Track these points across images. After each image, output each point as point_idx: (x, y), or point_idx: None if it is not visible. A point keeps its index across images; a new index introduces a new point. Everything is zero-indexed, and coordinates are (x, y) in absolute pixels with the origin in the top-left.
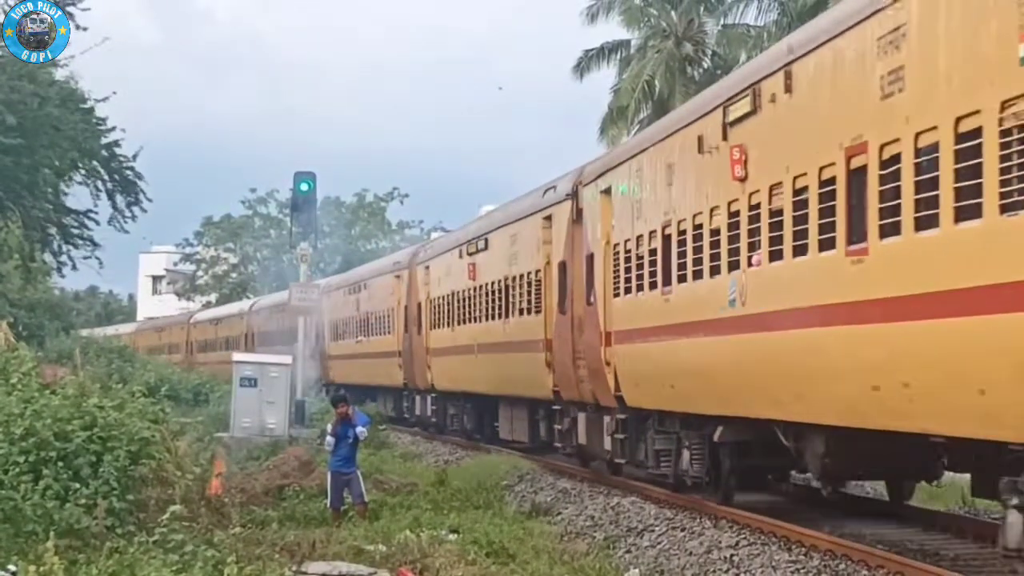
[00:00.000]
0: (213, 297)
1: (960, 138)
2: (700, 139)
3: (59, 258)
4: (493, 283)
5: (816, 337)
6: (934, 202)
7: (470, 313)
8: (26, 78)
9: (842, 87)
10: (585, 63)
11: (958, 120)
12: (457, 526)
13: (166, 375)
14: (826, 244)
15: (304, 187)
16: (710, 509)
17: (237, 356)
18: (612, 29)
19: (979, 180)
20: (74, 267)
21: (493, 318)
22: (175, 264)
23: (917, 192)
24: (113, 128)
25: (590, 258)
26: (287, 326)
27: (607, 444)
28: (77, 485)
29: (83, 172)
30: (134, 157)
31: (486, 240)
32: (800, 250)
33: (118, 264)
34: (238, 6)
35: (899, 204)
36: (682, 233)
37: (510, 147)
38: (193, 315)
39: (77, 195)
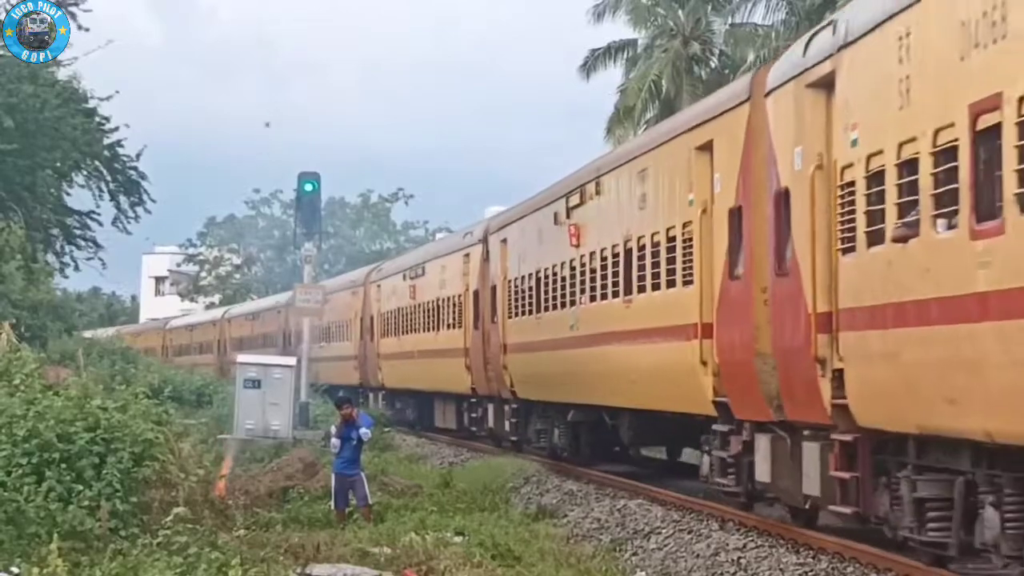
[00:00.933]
0: (216, 298)
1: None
2: (555, 215)
3: (62, 259)
4: (428, 303)
5: (608, 351)
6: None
7: (411, 325)
8: (27, 79)
9: (623, 196)
10: (592, 62)
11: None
12: (462, 528)
13: (169, 376)
14: (615, 294)
15: (308, 187)
16: (717, 511)
17: (241, 357)
18: (619, 28)
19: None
20: (77, 268)
21: (428, 330)
22: (178, 265)
23: (654, 267)
24: (116, 128)
25: (493, 288)
26: (259, 332)
27: (506, 426)
28: (80, 487)
29: (85, 173)
30: (137, 157)
31: (423, 268)
32: (603, 296)
33: (121, 265)
34: (241, 6)
35: (644, 275)
36: (547, 276)
37: (516, 147)
38: (168, 322)
39: (79, 196)
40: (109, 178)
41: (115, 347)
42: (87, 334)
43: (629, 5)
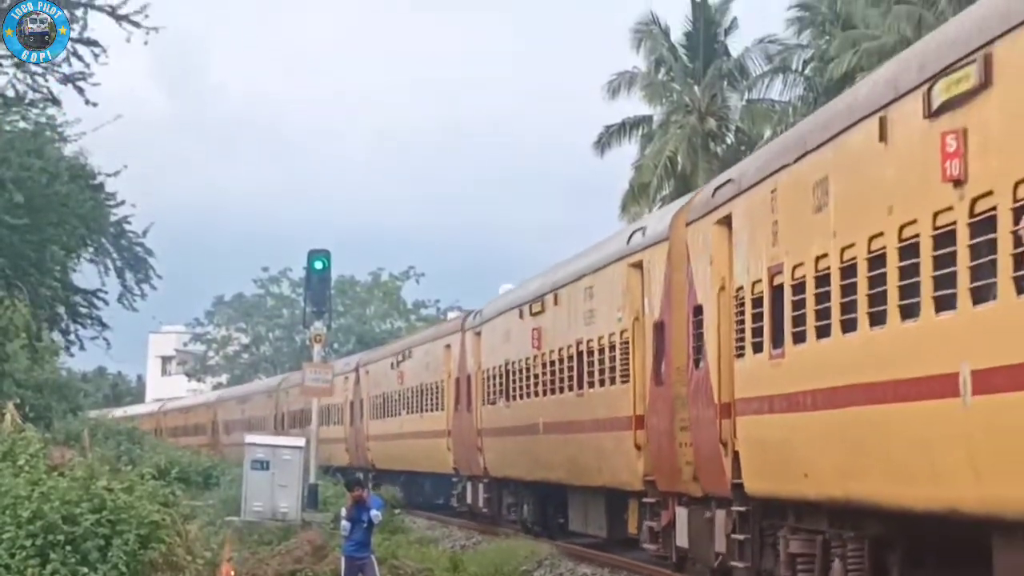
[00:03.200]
0: (224, 378)
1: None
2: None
3: (67, 338)
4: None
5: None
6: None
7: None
8: (35, 154)
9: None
10: (606, 138)
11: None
12: None
13: (176, 457)
14: (569, 388)
15: (318, 265)
16: None
17: (249, 438)
18: (634, 104)
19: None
20: (82, 347)
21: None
22: (185, 344)
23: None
24: (123, 203)
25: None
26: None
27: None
28: (85, 569)
29: (92, 249)
30: (144, 233)
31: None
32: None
33: (127, 344)
34: (252, 79)
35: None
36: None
37: (529, 223)
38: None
39: (86, 273)
40: (116, 255)
41: (121, 427)
42: (92, 414)
43: (644, 81)
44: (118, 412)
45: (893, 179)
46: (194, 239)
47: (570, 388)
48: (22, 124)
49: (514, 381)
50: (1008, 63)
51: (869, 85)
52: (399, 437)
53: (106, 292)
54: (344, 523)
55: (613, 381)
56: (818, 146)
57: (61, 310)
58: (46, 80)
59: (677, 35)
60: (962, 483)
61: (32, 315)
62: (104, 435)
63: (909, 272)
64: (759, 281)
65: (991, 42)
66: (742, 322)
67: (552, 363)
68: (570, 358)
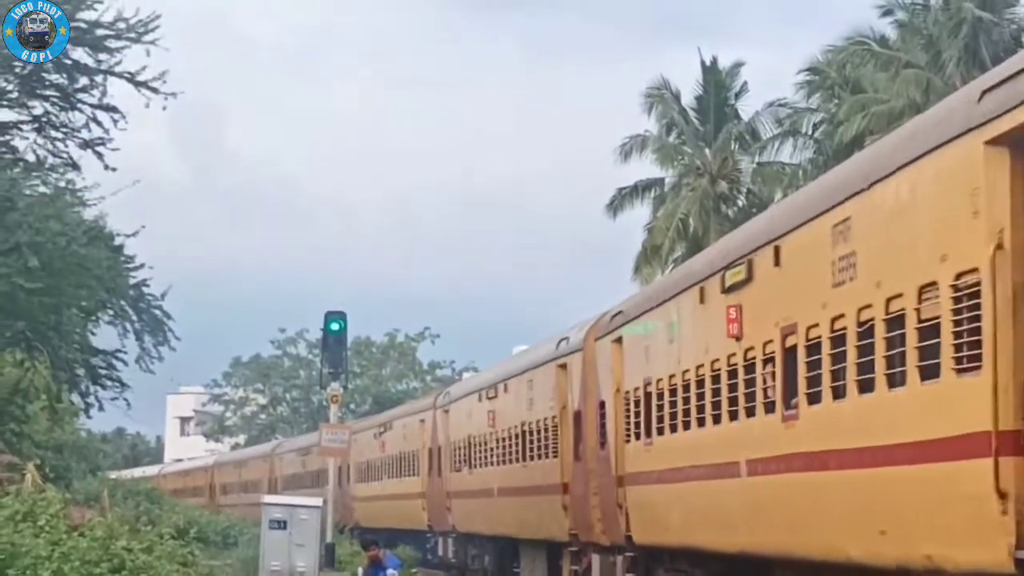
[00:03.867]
0: (242, 438)
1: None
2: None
3: (86, 399)
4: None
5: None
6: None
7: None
8: (53, 218)
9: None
10: (619, 201)
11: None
12: None
13: (194, 517)
14: (517, 459)
15: (335, 327)
16: None
17: (267, 499)
18: (646, 167)
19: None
20: (101, 408)
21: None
22: (203, 405)
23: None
24: (141, 266)
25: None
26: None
27: None
28: None
29: (111, 312)
30: (163, 296)
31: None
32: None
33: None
34: (265, 147)
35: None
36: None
37: (542, 285)
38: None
39: (104, 335)
40: (135, 317)
41: (140, 487)
42: (112, 475)
43: (656, 144)
44: (125, 473)
45: (703, 332)
46: (211, 301)
47: (517, 460)
48: (42, 188)
49: (475, 452)
50: (761, 265)
51: (701, 262)
52: (380, 499)
53: (125, 352)
54: None
55: (546, 455)
56: (661, 303)
57: (80, 372)
58: (66, 145)
59: (688, 99)
60: (743, 533)
61: (52, 377)
62: (123, 495)
63: (704, 395)
64: (637, 388)
65: (752, 251)
66: (628, 417)
67: (503, 439)
68: (516, 436)
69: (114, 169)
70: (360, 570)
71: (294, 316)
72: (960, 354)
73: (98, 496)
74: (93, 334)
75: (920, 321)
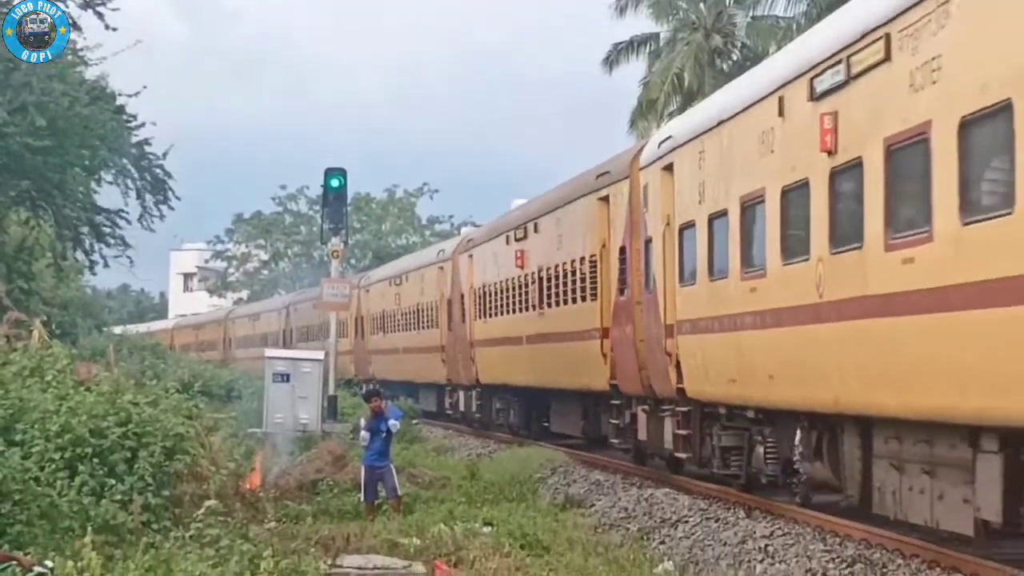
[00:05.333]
0: (244, 294)
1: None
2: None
3: (91, 257)
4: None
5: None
6: None
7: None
8: (56, 78)
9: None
10: (614, 56)
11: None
12: (491, 519)
13: (199, 371)
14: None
15: (335, 183)
16: (744, 500)
17: (270, 352)
18: (641, 22)
19: None
20: (106, 265)
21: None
22: (206, 261)
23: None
24: (143, 124)
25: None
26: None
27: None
28: (113, 481)
29: (113, 171)
30: (164, 155)
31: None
32: (543, 304)
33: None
34: (267, 5)
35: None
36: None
37: (540, 141)
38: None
39: (107, 194)
40: (137, 176)
41: (145, 343)
42: (117, 330)
43: None
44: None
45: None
46: (213, 160)
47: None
48: None
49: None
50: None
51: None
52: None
53: (128, 212)
54: (363, 433)
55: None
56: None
57: (85, 230)
58: (66, 5)
59: None
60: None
61: (57, 235)
62: (129, 351)
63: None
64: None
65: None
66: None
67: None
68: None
69: (115, 29)
70: (362, 421)
71: (294, 174)
72: None
73: (104, 352)
74: (96, 192)
75: None
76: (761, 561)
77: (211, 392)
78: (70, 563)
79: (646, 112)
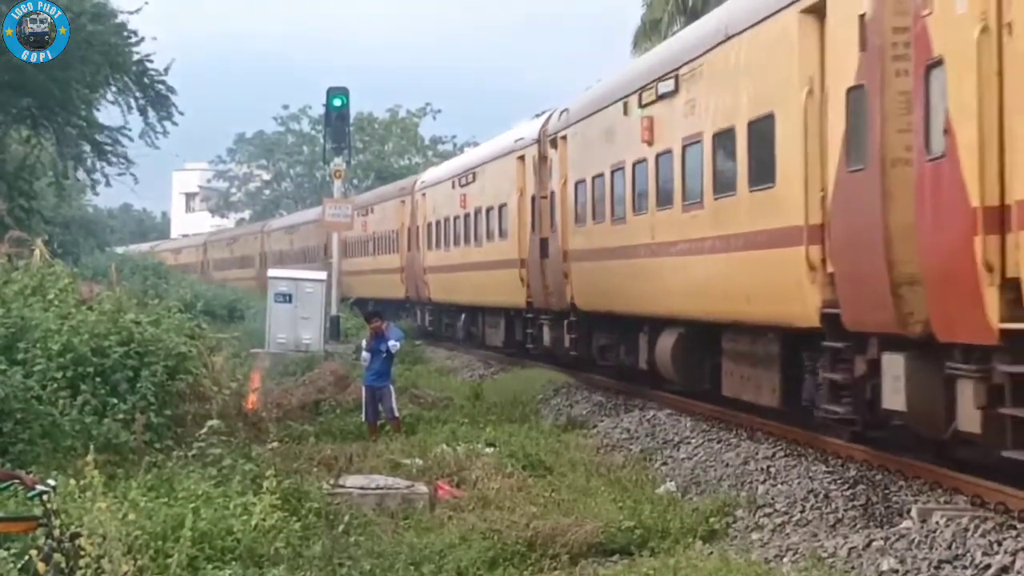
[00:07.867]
0: (247, 214)
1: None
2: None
3: (92, 176)
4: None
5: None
6: None
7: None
8: None
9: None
10: None
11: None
12: (493, 439)
13: (201, 291)
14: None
15: (337, 103)
16: (746, 421)
17: (272, 272)
18: None
19: None
20: (108, 183)
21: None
22: (208, 181)
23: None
24: (143, 39)
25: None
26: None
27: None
28: (115, 400)
29: (115, 88)
30: (165, 71)
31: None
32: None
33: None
34: None
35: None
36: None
37: (543, 61)
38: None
39: (109, 112)
40: (138, 93)
41: (147, 262)
42: (119, 250)
43: None
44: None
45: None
46: (215, 79)
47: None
48: None
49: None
50: None
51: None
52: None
53: (130, 129)
54: (364, 354)
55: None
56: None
57: (86, 148)
58: None
59: None
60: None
61: (58, 153)
62: (131, 270)
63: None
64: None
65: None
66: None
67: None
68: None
69: None
70: (363, 341)
71: (297, 93)
72: None
73: (106, 271)
74: (98, 110)
75: None
76: (763, 482)
77: (214, 312)
78: (72, 482)
79: (650, 32)
